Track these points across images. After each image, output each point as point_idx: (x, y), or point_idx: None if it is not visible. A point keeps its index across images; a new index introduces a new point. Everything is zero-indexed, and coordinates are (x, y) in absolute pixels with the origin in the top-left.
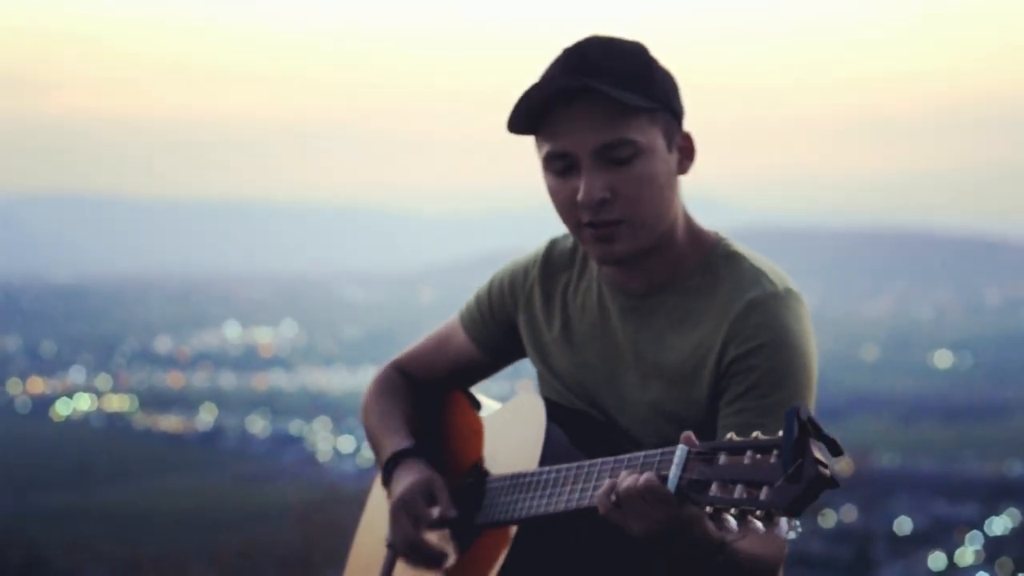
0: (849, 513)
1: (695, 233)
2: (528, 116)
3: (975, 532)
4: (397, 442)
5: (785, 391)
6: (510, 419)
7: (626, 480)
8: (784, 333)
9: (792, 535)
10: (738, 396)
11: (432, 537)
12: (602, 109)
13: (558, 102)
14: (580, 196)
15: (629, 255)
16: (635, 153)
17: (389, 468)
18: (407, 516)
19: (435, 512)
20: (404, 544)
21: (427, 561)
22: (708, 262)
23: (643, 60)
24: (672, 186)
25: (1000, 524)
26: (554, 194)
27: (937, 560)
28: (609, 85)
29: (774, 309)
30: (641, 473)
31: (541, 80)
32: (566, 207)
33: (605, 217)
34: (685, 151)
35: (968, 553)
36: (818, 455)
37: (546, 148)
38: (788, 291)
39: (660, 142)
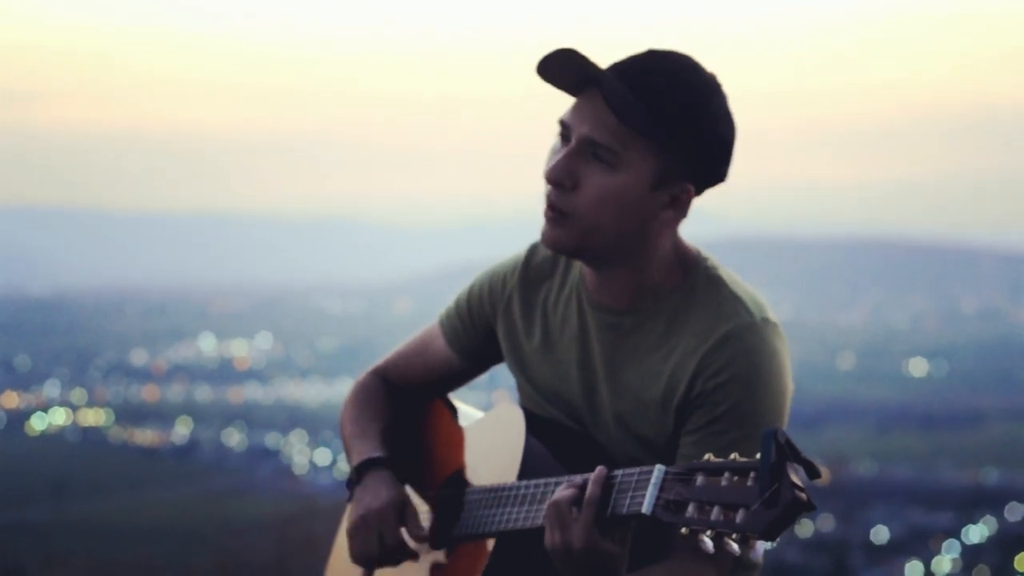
0: (826, 522)
1: (680, 252)
2: (572, 85)
3: (952, 540)
4: (368, 450)
5: (746, 428)
6: (490, 430)
7: (559, 492)
8: (754, 369)
9: (769, 546)
10: (699, 427)
11: (393, 556)
12: (614, 111)
13: (590, 83)
14: (546, 168)
15: (564, 248)
16: (614, 164)
17: (358, 473)
18: (373, 531)
19: (404, 533)
20: (363, 558)
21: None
22: (688, 284)
23: (687, 99)
24: (633, 217)
25: (977, 532)
26: (548, 156)
27: (914, 569)
28: (625, 93)
29: (748, 342)
30: (591, 490)
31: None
32: (545, 174)
33: (556, 202)
34: (676, 202)
35: (945, 561)
36: (795, 479)
37: (563, 115)
38: (765, 321)
39: (646, 172)
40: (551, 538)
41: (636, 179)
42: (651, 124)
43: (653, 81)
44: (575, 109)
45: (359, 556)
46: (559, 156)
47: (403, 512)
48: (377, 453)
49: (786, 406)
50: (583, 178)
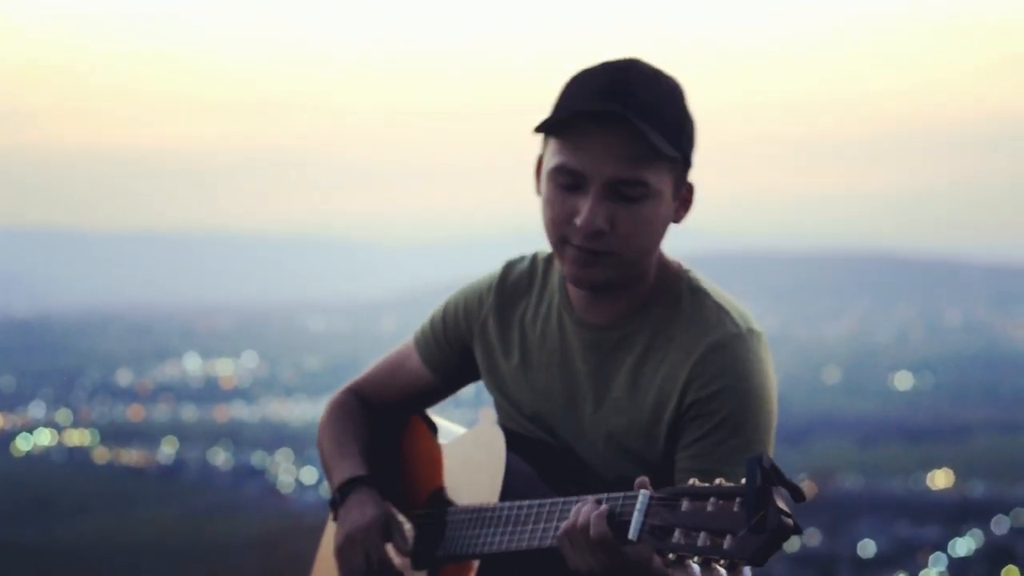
0: (813, 536)
1: (662, 265)
2: (558, 123)
3: (939, 554)
4: (351, 469)
5: (742, 437)
6: (470, 449)
7: (574, 517)
8: (744, 377)
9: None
10: (696, 440)
11: (380, 574)
12: (631, 144)
13: (593, 120)
14: (580, 221)
15: (603, 284)
16: (645, 195)
17: (343, 493)
18: (360, 549)
19: (390, 549)
20: (356, 572)
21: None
22: (672, 296)
23: (680, 105)
24: (663, 232)
25: (964, 545)
26: (550, 205)
27: None
28: (648, 124)
29: (736, 351)
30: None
31: (583, 93)
32: (558, 222)
33: (595, 247)
34: (684, 201)
35: (932, 575)
36: (780, 504)
37: (560, 159)
38: (750, 331)
39: (668, 190)
40: (583, 563)
41: (663, 198)
42: (672, 143)
43: (650, 97)
44: (583, 153)
45: (345, 573)
46: (587, 205)
47: (388, 528)
48: (360, 472)
49: (776, 414)
50: (617, 217)
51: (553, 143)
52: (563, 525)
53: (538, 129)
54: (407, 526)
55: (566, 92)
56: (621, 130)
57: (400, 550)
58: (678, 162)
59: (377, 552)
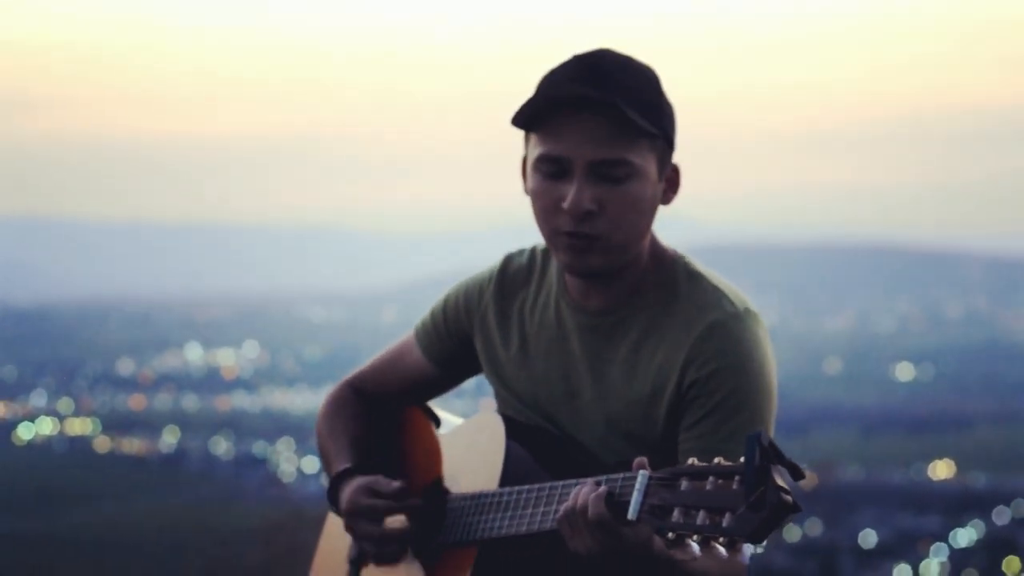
0: (814, 527)
1: (657, 252)
2: (534, 114)
3: (940, 544)
4: (339, 464)
5: (745, 415)
6: (470, 437)
7: (573, 499)
8: (744, 357)
9: (758, 550)
10: (698, 420)
11: (394, 524)
12: (610, 124)
13: (567, 107)
14: (567, 204)
15: (598, 270)
16: (629, 174)
17: (333, 489)
18: (363, 518)
19: (382, 502)
20: (370, 543)
21: (397, 551)
22: (668, 281)
23: (655, 87)
24: (653, 213)
25: (965, 536)
26: (537, 196)
27: (902, 573)
28: (625, 103)
29: (734, 331)
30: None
31: (556, 82)
32: (548, 211)
33: (585, 230)
34: (671, 183)
35: (933, 565)
36: (780, 481)
37: (542, 149)
38: (747, 312)
39: (653, 169)
40: (582, 545)
41: (648, 177)
42: (650, 121)
43: (622, 78)
44: (564, 139)
45: (364, 546)
46: (573, 188)
47: (372, 488)
48: (345, 465)
49: (775, 393)
50: (604, 198)
51: (534, 136)
52: (562, 508)
53: (516, 121)
54: (395, 483)
55: (541, 86)
56: (599, 112)
57: (388, 491)
58: (659, 139)
59: (376, 508)
